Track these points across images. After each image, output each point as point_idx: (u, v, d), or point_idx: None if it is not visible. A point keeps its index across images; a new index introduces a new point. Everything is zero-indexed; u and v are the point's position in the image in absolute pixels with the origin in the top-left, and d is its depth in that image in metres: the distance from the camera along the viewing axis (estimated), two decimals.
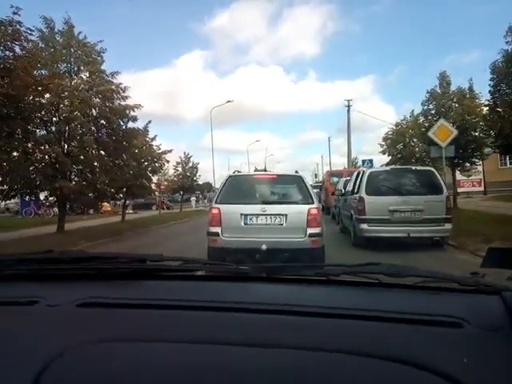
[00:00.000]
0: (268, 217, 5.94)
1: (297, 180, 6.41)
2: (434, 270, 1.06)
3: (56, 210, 17.56)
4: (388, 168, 9.42)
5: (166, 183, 28.07)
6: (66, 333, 0.78)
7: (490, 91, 10.20)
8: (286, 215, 5.92)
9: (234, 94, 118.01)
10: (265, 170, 8.57)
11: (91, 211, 28.33)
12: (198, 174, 29.03)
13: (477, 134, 14.32)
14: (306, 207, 5.94)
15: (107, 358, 0.69)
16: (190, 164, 28.54)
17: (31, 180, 11.31)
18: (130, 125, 14.05)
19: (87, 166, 12.67)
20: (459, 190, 18.03)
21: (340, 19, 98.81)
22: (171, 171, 28.08)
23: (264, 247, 5.24)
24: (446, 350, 0.66)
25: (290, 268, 1.21)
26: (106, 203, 26.67)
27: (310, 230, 5.83)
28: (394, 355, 0.63)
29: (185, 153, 29.08)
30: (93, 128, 12.79)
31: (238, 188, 6.56)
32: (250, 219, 5.97)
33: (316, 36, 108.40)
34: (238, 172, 7.09)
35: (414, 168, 8.77)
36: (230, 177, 6.65)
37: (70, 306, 0.87)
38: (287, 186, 6.63)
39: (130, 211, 30.09)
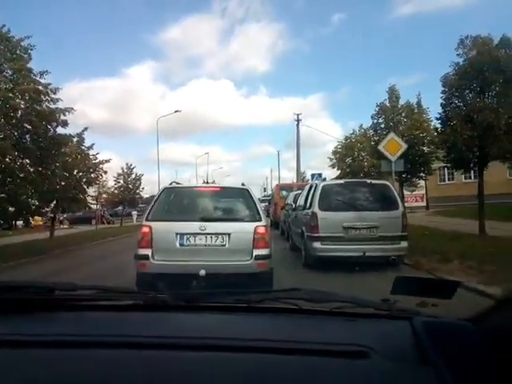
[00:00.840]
0: (208, 236, 5.01)
1: (243, 193, 5.56)
2: (352, 296, 1.10)
3: None
4: (342, 181, 8.83)
5: (105, 196, 26.12)
6: None
7: (441, 104, 10.04)
8: (229, 234, 5.02)
9: (185, 107, 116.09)
10: (212, 183, 7.61)
11: (20, 226, 25.93)
12: (141, 187, 27.36)
13: (424, 148, 14.34)
14: (252, 225, 5.08)
15: None
16: (133, 176, 26.87)
17: None
18: (61, 131, 12.59)
19: (4, 176, 11.00)
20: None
21: (290, 38, 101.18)
22: (111, 183, 26.25)
23: (202, 272, 4.43)
24: (349, 381, 0.69)
25: (210, 295, 1.19)
26: (37, 217, 24.42)
27: (256, 252, 4.97)
28: None
29: (127, 164, 27.37)
30: (14, 132, 11.20)
31: (174, 202, 5.60)
32: (187, 239, 5.01)
33: (267, 53, 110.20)
34: (176, 183, 6.12)
35: (369, 181, 8.24)
36: (164, 189, 5.67)
37: None
38: (232, 200, 5.76)
39: (65, 226, 27.82)
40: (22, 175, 11.48)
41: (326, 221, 7.47)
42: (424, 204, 27.77)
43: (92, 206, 25.19)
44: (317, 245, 7.41)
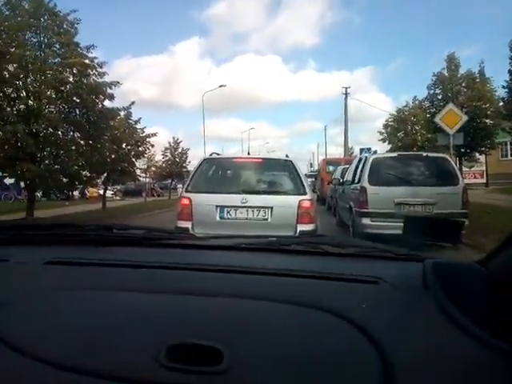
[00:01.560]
0: (249, 210, 4.75)
1: (286, 166, 5.21)
2: (374, 243, 1.22)
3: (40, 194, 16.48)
4: (395, 154, 8.17)
5: (153, 169, 26.74)
6: (29, 284, 0.85)
7: (509, 71, 8.96)
8: (272, 208, 4.73)
9: (231, 82, 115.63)
10: (248, 154, 7.30)
11: (76, 196, 27.24)
12: (188, 161, 27.67)
13: (487, 121, 13.09)
14: (296, 199, 4.75)
15: (66, 302, 0.78)
16: (180, 150, 27.21)
17: None
18: (108, 104, 12.76)
19: (57, 148, 11.36)
20: None
21: (339, 9, 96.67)
22: (158, 157, 26.79)
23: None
24: (356, 300, 0.77)
25: (246, 238, 1.33)
26: (92, 188, 25.52)
27: (300, 227, 4.65)
28: (316, 304, 0.75)
29: (174, 138, 27.75)
30: (63, 106, 11.47)
31: (215, 174, 5.37)
32: (228, 212, 4.78)
33: (315, 26, 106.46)
34: (217, 154, 5.88)
35: (424, 155, 7.55)
36: (204, 160, 5.44)
37: (36, 264, 0.95)
38: (275, 173, 5.44)
39: (117, 198, 28.91)
40: (73, 147, 11.83)
41: (375, 196, 6.96)
42: (483, 181, 25.87)
43: (142, 178, 26.01)
44: (366, 221, 6.95)
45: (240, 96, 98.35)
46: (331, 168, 16.91)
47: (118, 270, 0.94)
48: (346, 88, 28.70)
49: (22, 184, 12.02)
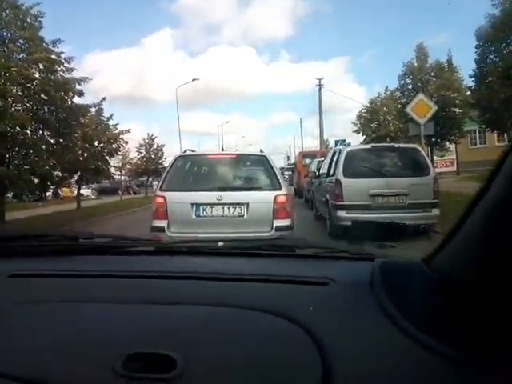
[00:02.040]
0: (225, 207, 4.73)
1: (261, 161, 5.20)
2: (330, 243, 1.59)
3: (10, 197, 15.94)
4: (368, 146, 8.30)
5: (128, 166, 26.29)
6: None
7: (475, 60, 9.20)
8: (248, 204, 4.72)
9: (205, 75, 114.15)
10: (222, 150, 7.25)
11: (49, 197, 26.50)
12: (164, 157, 27.31)
13: (456, 110, 13.44)
14: (272, 194, 4.75)
15: (31, 316, 0.79)
16: (155, 146, 26.80)
17: None
18: (78, 101, 12.41)
19: (26, 148, 10.99)
20: None
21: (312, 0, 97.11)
22: (133, 154, 26.33)
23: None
24: (305, 302, 0.81)
25: (209, 243, 1.34)
26: (65, 188, 24.89)
27: (276, 223, 4.66)
28: (265, 307, 0.78)
29: (148, 134, 27.32)
30: (30, 104, 11.08)
31: (189, 171, 5.31)
32: (204, 210, 4.74)
33: (288, 17, 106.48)
34: (192, 151, 5.81)
35: (396, 145, 7.71)
36: (178, 157, 5.36)
37: (1, 277, 0.95)
38: (249, 169, 5.42)
39: (93, 197, 28.31)
40: (43, 146, 11.47)
41: (351, 188, 7.05)
42: (454, 169, 26.60)
43: (117, 176, 25.54)
44: (342, 214, 7.03)
45: (215, 89, 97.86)
46: (307, 161, 17.00)
47: (82, 280, 0.96)
48: (320, 79, 28.77)
49: None
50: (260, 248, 1.22)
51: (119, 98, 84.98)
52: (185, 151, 5.72)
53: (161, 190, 4.90)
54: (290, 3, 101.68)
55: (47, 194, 24.63)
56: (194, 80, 29.76)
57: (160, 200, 4.77)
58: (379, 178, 7.07)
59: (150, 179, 28.35)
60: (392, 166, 7.33)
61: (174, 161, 5.25)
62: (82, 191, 28.19)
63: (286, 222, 4.70)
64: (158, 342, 0.69)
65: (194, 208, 4.72)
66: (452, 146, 20.97)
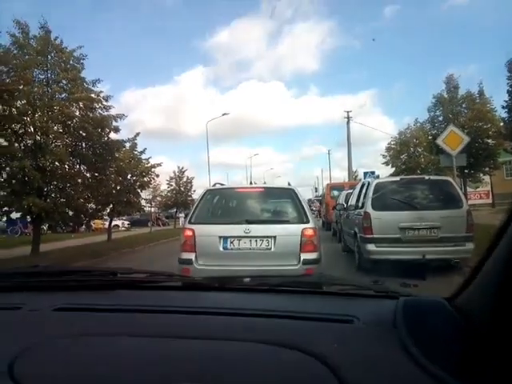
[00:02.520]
0: (253, 240, 4.75)
1: (288, 194, 5.23)
2: (355, 280, 1.52)
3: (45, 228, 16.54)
4: (397, 178, 8.18)
5: (158, 199, 26.89)
6: (42, 331, 0.92)
7: (508, 91, 9.06)
8: (275, 237, 4.72)
9: (235, 110, 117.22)
10: (264, 184, 7.36)
11: (82, 229, 27.33)
12: (193, 189, 27.83)
13: (489, 141, 13.13)
14: (299, 227, 4.75)
15: (75, 349, 0.84)
16: (185, 179, 27.40)
17: None
18: (113, 136, 12.99)
19: (63, 182, 11.50)
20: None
21: (340, 35, 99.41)
22: (164, 186, 26.96)
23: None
24: (329, 339, 0.82)
25: (238, 279, 1.37)
26: (97, 220, 25.64)
27: (304, 256, 4.63)
28: (291, 344, 0.79)
29: (178, 167, 28.00)
30: (69, 140, 11.69)
31: (218, 204, 5.40)
32: (231, 243, 4.78)
33: (316, 52, 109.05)
34: (221, 185, 5.93)
35: (427, 177, 7.56)
36: (207, 190, 5.48)
37: (47, 310, 1.03)
38: (277, 202, 5.45)
39: (123, 228, 28.94)
40: (79, 180, 11.98)
41: (380, 221, 6.94)
42: (489, 201, 25.63)
43: (147, 208, 26.10)
44: (371, 247, 6.90)
45: (244, 123, 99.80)
46: (335, 193, 16.88)
47: (120, 314, 1.01)
48: (348, 112, 29.01)
49: (28, 218, 12.15)
50: (286, 285, 1.26)
51: (153, 133, 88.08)
52: (214, 185, 5.84)
53: (190, 222, 4.99)
54: (318, 38, 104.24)
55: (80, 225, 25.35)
56: (224, 114, 30.56)
57: (189, 233, 4.85)
58: (409, 210, 6.92)
59: (179, 211, 28.83)
60: (423, 199, 7.19)
61: (204, 194, 5.36)
62: (116, 222, 29.14)
63: (313, 256, 4.66)
64: (187, 376, 0.72)
65: (222, 241, 4.77)
66: (486, 178, 20.38)
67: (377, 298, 1.14)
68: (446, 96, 14.14)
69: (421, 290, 1.23)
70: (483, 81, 15.91)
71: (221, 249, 4.75)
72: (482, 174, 14.42)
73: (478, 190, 24.53)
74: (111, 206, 15.64)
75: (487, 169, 13.67)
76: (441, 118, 13.96)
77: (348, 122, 28.93)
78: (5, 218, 12.34)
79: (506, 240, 0.65)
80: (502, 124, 10.91)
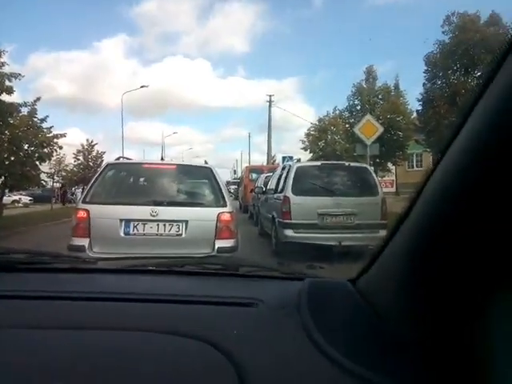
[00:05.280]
0: (161, 224, 4.13)
1: (205, 173, 4.68)
2: (262, 262, 1.44)
3: None
4: (318, 163, 8.06)
5: (63, 173, 24.45)
6: None
7: (423, 84, 9.41)
8: (187, 222, 4.16)
9: (158, 84, 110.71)
10: (162, 159, 6.61)
11: None
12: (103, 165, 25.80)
13: (400, 132, 13.82)
14: (215, 211, 4.24)
15: None
16: (94, 153, 25.27)
17: None
18: (6, 99, 11.19)
19: None
20: None
21: (270, 19, 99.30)
22: (70, 160, 24.62)
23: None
24: (228, 325, 0.77)
25: (136, 260, 1.33)
26: None
27: (219, 244, 4.15)
28: (188, 332, 0.74)
29: (88, 140, 25.73)
30: None
31: (120, 182, 4.67)
32: (135, 227, 4.11)
33: (246, 33, 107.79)
34: (127, 159, 5.16)
35: (347, 164, 7.53)
36: (108, 165, 4.70)
37: None
38: (191, 182, 4.88)
39: (20, 205, 26.03)
40: None
41: (299, 206, 6.74)
42: (393, 190, 27.71)
43: (51, 184, 23.64)
44: (289, 232, 6.69)
45: (165, 99, 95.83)
46: (254, 175, 16.73)
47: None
48: (270, 96, 29.13)
49: None
50: (189, 266, 1.21)
51: (65, 102, 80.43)
52: (117, 158, 5.06)
53: (84, 202, 4.19)
54: (250, 21, 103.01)
55: None
56: (142, 87, 28.63)
57: (82, 214, 4.06)
58: (328, 196, 6.82)
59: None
60: (341, 185, 7.15)
61: (104, 169, 4.57)
62: (15, 197, 26.06)
63: (229, 243, 4.20)
64: (57, 372, 0.63)
65: (123, 224, 4.08)
66: (393, 168, 21.79)
67: (283, 280, 1.11)
68: (364, 86, 14.58)
69: (328, 272, 1.21)
70: (399, 75, 16.80)
71: (121, 234, 4.06)
72: (391, 164, 15.24)
73: (384, 179, 26.33)
74: (2, 178, 13.65)
75: (396, 159, 14.44)
76: (359, 108, 14.39)
77: (270, 106, 29.06)
78: None
79: (405, 226, 0.68)
80: (414, 116, 11.49)
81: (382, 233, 6.75)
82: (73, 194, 31.60)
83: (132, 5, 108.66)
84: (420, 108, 10.21)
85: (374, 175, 7.42)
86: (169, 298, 0.92)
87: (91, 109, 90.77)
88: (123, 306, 0.89)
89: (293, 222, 6.67)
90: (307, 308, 0.80)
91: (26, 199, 27.94)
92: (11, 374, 0.63)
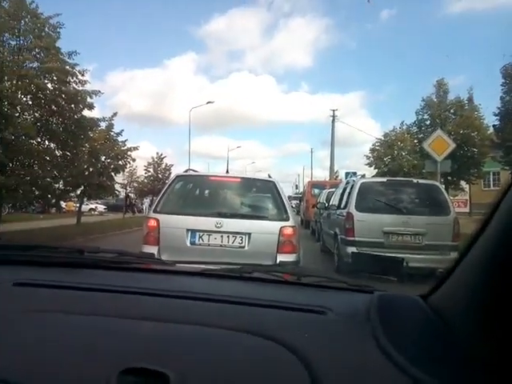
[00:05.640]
0: (224, 235, 4.23)
1: (268, 187, 4.72)
2: (330, 274, 1.46)
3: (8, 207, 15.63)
4: (384, 179, 7.78)
5: (135, 184, 25.99)
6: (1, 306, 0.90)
7: (501, 97, 8.77)
8: (250, 234, 4.22)
9: (224, 100, 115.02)
10: (227, 172, 6.78)
11: (53, 210, 26.31)
12: (171, 177, 27.04)
13: (475, 149, 12.94)
14: (277, 225, 4.26)
15: (31, 326, 0.80)
16: (163, 165, 26.58)
17: None
18: (88, 114, 12.18)
19: (29, 158, 10.67)
20: None
21: (335, 33, 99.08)
22: (140, 172, 26.11)
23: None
24: (301, 329, 0.81)
25: (209, 266, 1.39)
26: (70, 202, 24.66)
27: (281, 258, 4.14)
28: (262, 332, 0.78)
29: (157, 153, 27.16)
30: (38, 113, 10.85)
31: (188, 193, 4.86)
32: (200, 237, 4.25)
33: (310, 48, 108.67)
34: (194, 171, 5.37)
35: (415, 181, 7.19)
36: (177, 177, 4.92)
37: (7, 284, 0.99)
38: (255, 195, 4.95)
39: (96, 213, 28.02)
40: (47, 158, 11.18)
41: (363, 223, 6.54)
42: (467, 210, 25.86)
43: (124, 194, 25.22)
44: (351, 250, 6.49)
45: (230, 114, 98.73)
46: (316, 191, 16.55)
47: (84, 293, 0.97)
48: (334, 111, 28.89)
49: None
50: (263, 273, 1.26)
51: (138, 117, 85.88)
52: (186, 171, 5.28)
53: (154, 211, 4.43)
54: (314, 35, 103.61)
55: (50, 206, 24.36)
56: (208, 103, 29.76)
57: (152, 223, 4.29)
58: (394, 214, 6.55)
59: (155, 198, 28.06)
60: (409, 203, 6.81)
61: (173, 180, 4.80)
62: (92, 205, 28.14)
63: (291, 258, 4.18)
64: (153, 358, 0.69)
65: (190, 234, 4.24)
66: (466, 186, 20.41)
67: (351, 291, 1.13)
68: (435, 100, 13.90)
69: (395, 287, 1.22)
70: (474, 87, 15.85)
71: (188, 244, 4.22)
72: (464, 183, 14.29)
73: (456, 198, 24.70)
74: (82, 188, 14.83)
75: (470, 177, 13.50)
76: (428, 122, 13.72)
77: (333, 121, 28.78)
78: None
79: (479, 245, 0.68)
80: (490, 132, 10.71)
81: (453, 255, 6.31)
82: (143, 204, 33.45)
83: (201, 24, 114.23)
84: (497, 123, 9.47)
85: (445, 193, 7.00)
86: (242, 300, 0.96)
87: (161, 123, 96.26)
88: (201, 304, 0.93)
89: (356, 239, 6.48)
90: (377, 319, 0.82)
91: (101, 208, 30.04)
92: (110, 355, 0.71)
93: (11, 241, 9.42)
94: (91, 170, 14.69)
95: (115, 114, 15.00)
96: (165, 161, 27.30)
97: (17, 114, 10.29)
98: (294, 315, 0.90)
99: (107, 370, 0.64)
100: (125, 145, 16.36)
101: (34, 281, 1.03)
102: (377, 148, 18.80)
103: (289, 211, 4.48)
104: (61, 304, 0.91)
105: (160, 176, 26.51)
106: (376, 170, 18.67)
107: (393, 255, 6.11)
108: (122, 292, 0.98)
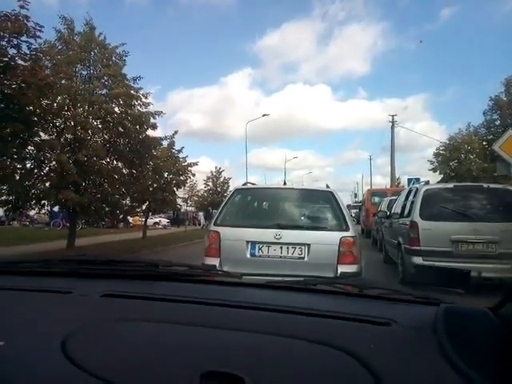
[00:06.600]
0: (284, 247, 4.25)
1: (326, 197, 4.69)
2: (394, 286, 1.52)
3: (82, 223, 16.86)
4: (450, 185, 7.37)
5: (195, 198, 26.89)
6: (91, 314, 0.98)
7: None
8: (309, 246, 4.20)
9: (279, 112, 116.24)
10: (284, 183, 6.80)
11: (121, 225, 27.91)
12: (229, 190, 27.66)
13: None
14: (337, 235, 4.20)
15: (120, 332, 0.89)
16: (221, 179, 27.27)
17: (28, 191, 10.23)
18: (151, 134, 12.91)
19: (100, 177, 11.50)
20: None
21: (392, 37, 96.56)
22: (200, 186, 26.98)
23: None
24: (366, 340, 0.82)
25: (276, 277, 1.44)
26: (136, 217, 26.08)
27: (342, 269, 4.08)
28: (329, 342, 0.80)
29: (216, 167, 27.96)
30: (107, 136, 11.69)
31: (247, 205, 4.95)
32: (260, 249, 4.31)
33: (366, 54, 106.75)
34: (252, 184, 5.47)
35: (485, 186, 6.74)
36: (236, 190, 5.04)
37: (95, 296, 1.10)
38: (313, 205, 4.92)
39: (160, 226, 29.29)
40: (116, 176, 11.97)
41: (428, 232, 6.22)
42: None
43: (185, 208, 26.20)
44: (417, 260, 6.19)
45: (286, 125, 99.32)
46: (377, 199, 16.05)
47: (162, 303, 1.06)
48: (393, 116, 27.88)
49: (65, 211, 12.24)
50: (327, 285, 1.29)
51: (197, 133, 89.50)
52: (244, 184, 5.40)
53: (215, 224, 4.56)
54: (370, 41, 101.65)
55: (119, 221, 25.86)
56: (264, 115, 30.15)
57: (213, 236, 4.42)
58: (463, 221, 6.17)
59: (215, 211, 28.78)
60: (479, 209, 6.38)
61: (232, 194, 4.93)
62: (156, 219, 29.55)
63: (352, 269, 4.10)
64: (230, 363, 0.73)
65: (250, 246, 4.31)
66: None
67: (417, 304, 1.11)
68: (504, 99, 12.94)
69: (463, 299, 1.20)
70: None
71: (248, 255, 4.29)
72: None
73: None
74: (147, 203, 15.65)
75: None
76: (498, 123, 12.78)
77: (392, 126, 27.79)
78: (43, 211, 12.54)
79: None
80: None
81: None
82: (204, 217, 34.46)
83: (255, 40, 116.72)
84: None
85: None
86: (310, 311, 0.98)
87: (219, 138, 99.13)
88: (272, 315, 0.97)
89: (422, 248, 6.18)
90: (444, 332, 0.81)
91: (164, 221, 31.39)
92: (189, 360, 0.76)
93: (85, 250, 10.17)
94: (155, 185, 15.48)
95: (176, 133, 15.78)
96: (223, 174, 28.09)
97: (88, 137, 11.15)
98: (360, 326, 0.91)
99: (188, 373, 0.69)
100: (185, 161, 17.09)
101: (118, 292, 1.12)
102: (441, 152, 17.84)
103: (348, 221, 4.40)
104: (141, 313, 0.98)
105: (219, 189, 27.25)
106: (441, 176, 17.70)
107: (462, 265, 5.77)
108: (195, 302, 1.04)
